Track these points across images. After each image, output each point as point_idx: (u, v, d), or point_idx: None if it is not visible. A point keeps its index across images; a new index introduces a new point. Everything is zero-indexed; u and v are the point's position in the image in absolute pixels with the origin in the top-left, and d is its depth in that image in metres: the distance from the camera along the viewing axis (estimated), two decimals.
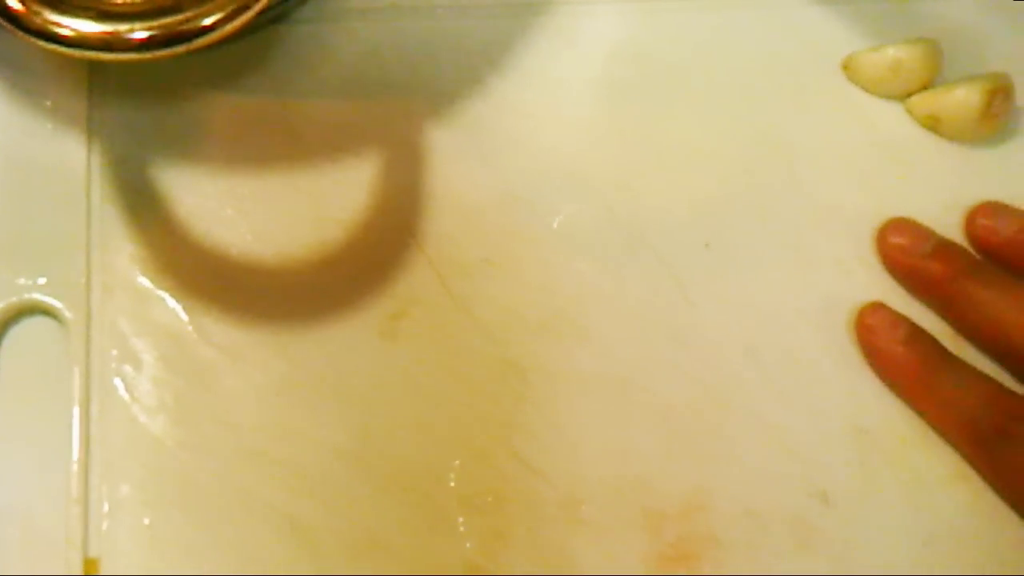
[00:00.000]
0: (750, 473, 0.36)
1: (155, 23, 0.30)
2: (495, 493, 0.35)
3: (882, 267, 0.39)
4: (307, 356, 0.36)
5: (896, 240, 0.39)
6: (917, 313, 0.38)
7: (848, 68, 0.42)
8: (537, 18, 0.42)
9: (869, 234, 0.39)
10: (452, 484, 0.35)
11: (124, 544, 0.34)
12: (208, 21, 0.31)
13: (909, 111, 0.41)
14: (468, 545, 0.35)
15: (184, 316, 0.36)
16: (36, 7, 0.30)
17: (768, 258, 0.39)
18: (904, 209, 0.40)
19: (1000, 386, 0.36)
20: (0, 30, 0.31)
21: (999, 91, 0.40)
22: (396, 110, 0.40)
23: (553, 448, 0.36)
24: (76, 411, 0.35)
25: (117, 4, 0.31)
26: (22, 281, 0.36)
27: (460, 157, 0.39)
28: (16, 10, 0.30)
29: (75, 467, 0.34)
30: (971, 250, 0.39)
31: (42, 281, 0.36)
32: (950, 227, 0.39)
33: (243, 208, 0.38)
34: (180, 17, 0.30)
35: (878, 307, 0.38)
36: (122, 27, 0.30)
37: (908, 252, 0.38)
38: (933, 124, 0.41)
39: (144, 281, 0.37)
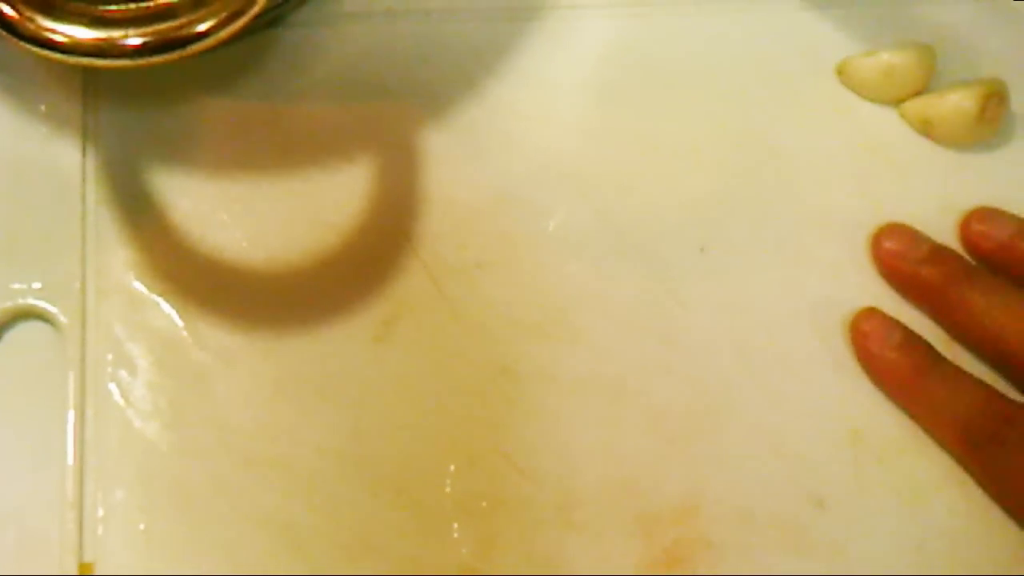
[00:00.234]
0: (744, 477, 0.36)
1: (149, 29, 0.30)
2: (488, 497, 0.35)
3: (876, 272, 0.39)
4: (301, 360, 0.36)
5: (890, 245, 0.39)
6: (911, 318, 0.38)
7: (842, 73, 0.42)
8: (531, 21, 0.42)
9: (863, 239, 0.39)
10: (448, 490, 0.35)
11: (119, 549, 0.34)
12: (202, 27, 0.30)
13: (903, 116, 0.41)
14: (463, 550, 0.35)
15: (179, 320, 0.36)
16: (29, 13, 0.30)
17: (762, 262, 0.39)
18: (898, 214, 0.40)
19: (994, 390, 0.36)
20: None
21: (993, 96, 0.40)
22: (390, 113, 0.40)
23: (546, 452, 0.36)
24: (71, 416, 0.35)
25: (111, 10, 0.30)
26: (17, 285, 0.36)
27: (454, 160, 0.39)
28: (9, 16, 0.30)
29: (70, 472, 0.34)
30: (965, 255, 0.39)
31: (37, 286, 0.36)
32: (944, 232, 0.39)
33: (237, 212, 0.38)
34: (174, 23, 0.30)
35: (872, 312, 0.38)
36: (116, 33, 0.30)
37: (902, 257, 0.38)
38: (927, 129, 0.41)
39: (139, 285, 0.37)
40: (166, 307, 0.37)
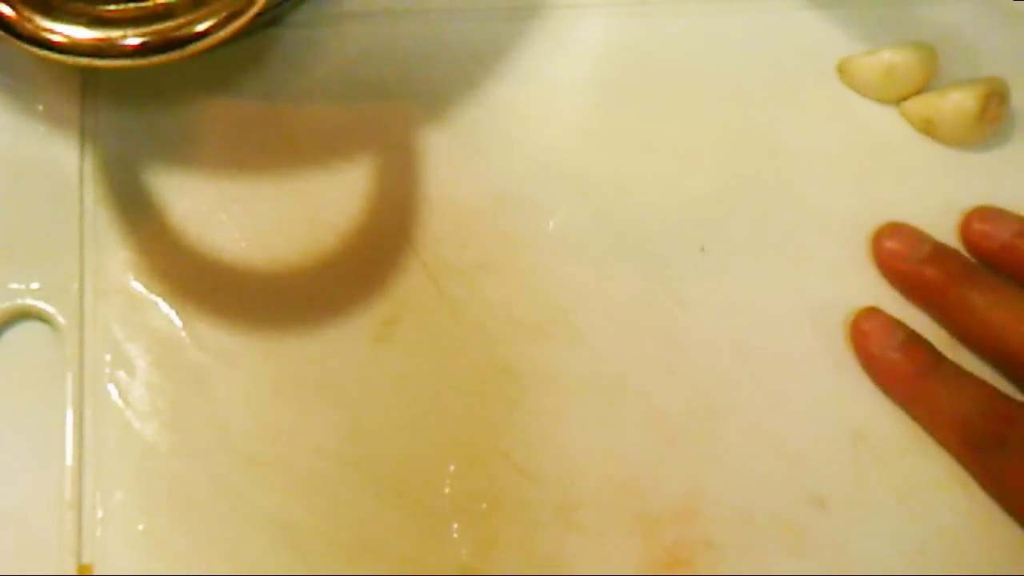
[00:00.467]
0: (744, 477, 0.36)
1: (148, 29, 0.30)
2: (488, 498, 0.35)
3: (877, 271, 0.39)
4: (301, 360, 0.36)
5: (891, 244, 0.39)
6: (912, 318, 0.38)
7: (843, 72, 0.42)
8: (530, 21, 0.42)
9: (864, 238, 0.39)
10: (447, 490, 0.35)
11: (118, 550, 0.34)
12: (201, 27, 0.30)
13: (904, 115, 0.41)
14: (463, 550, 0.35)
15: (177, 321, 0.36)
16: (28, 13, 0.30)
17: (762, 262, 0.39)
18: (899, 213, 0.39)
19: (995, 391, 0.36)
20: None
21: (994, 95, 0.40)
22: (390, 113, 0.40)
23: (546, 452, 0.36)
24: (69, 416, 0.35)
25: (110, 10, 0.30)
26: (15, 286, 0.36)
27: (454, 160, 0.39)
28: (8, 16, 0.30)
29: (69, 472, 0.34)
30: (967, 255, 0.39)
31: (35, 286, 0.36)
32: (945, 231, 0.39)
33: (236, 212, 0.38)
34: (173, 23, 0.30)
35: (873, 312, 0.38)
36: (115, 33, 0.30)
37: (903, 257, 0.38)
38: (928, 128, 0.41)
39: (137, 286, 0.37)
40: (165, 307, 0.37)
